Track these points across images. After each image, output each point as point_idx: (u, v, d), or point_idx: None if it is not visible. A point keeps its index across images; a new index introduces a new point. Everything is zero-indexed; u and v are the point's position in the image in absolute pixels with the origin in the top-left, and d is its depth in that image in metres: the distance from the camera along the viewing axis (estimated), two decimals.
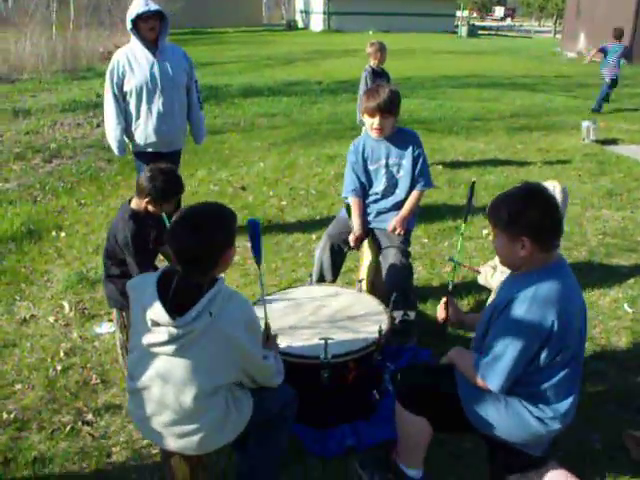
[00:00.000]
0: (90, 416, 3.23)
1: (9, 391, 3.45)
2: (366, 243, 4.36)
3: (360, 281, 3.74)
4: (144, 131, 4.86)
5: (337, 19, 42.37)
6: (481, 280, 3.55)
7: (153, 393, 2.23)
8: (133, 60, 4.73)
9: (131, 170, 7.67)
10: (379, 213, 4.13)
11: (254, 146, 9.17)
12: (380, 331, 3.06)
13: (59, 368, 3.65)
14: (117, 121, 4.79)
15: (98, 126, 10.78)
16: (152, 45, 4.74)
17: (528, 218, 2.36)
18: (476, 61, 23.81)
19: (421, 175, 4.04)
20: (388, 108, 3.80)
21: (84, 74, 17.99)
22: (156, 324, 2.15)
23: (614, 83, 12.90)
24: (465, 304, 4.48)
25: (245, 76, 17.76)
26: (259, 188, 7.12)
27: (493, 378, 2.39)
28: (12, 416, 3.22)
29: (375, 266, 4.35)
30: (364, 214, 4.12)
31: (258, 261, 2.76)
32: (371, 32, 40.24)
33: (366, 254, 4.44)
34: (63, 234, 5.72)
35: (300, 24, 48.09)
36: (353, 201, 4.12)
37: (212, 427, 2.23)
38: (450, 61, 23.39)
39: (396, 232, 3.99)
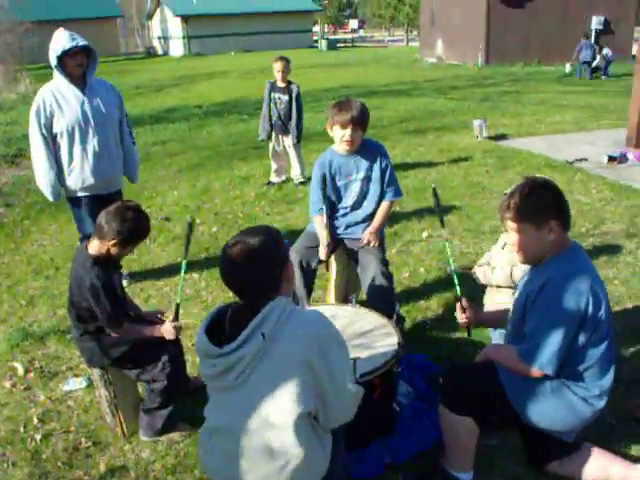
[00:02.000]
0: None
1: None
2: (332, 257, 4.28)
3: (351, 299, 3.64)
4: (80, 174, 4.53)
5: (197, 43, 42.05)
6: (481, 280, 3.57)
7: (226, 434, 2.08)
8: (61, 98, 4.40)
9: (37, 213, 7.16)
10: (348, 226, 4.06)
11: (160, 175, 8.82)
12: (399, 343, 3.00)
13: (38, 437, 3.27)
14: (49, 165, 4.45)
15: None
16: (79, 81, 4.43)
17: (549, 203, 2.50)
18: (346, 73, 24.44)
19: (390, 185, 4.01)
20: (361, 120, 3.75)
21: None
22: (207, 357, 2.10)
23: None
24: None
25: None
26: (183, 217, 6.84)
27: (545, 363, 2.43)
28: None
29: (345, 277, 4.30)
30: (332, 227, 4.03)
31: None
32: (233, 53, 40.33)
33: (334, 268, 4.37)
34: None
35: (159, 50, 47.27)
36: (318, 219, 4.02)
37: (297, 467, 2.03)
38: (321, 74, 23.82)
39: (371, 245, 3.93)
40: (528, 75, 21.43)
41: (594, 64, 20.30)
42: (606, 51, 20.35)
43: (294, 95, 7.49)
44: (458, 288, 3.06)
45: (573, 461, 2.75)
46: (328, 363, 2.06)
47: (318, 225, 4.02)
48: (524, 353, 2.48)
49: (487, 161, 8.80)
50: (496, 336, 3.64)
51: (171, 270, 5.44)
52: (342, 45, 48.61)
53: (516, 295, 2.72)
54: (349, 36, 57.05)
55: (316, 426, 2.13)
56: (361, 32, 63.47)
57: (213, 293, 4.94)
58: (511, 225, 2.58)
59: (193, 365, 3.80)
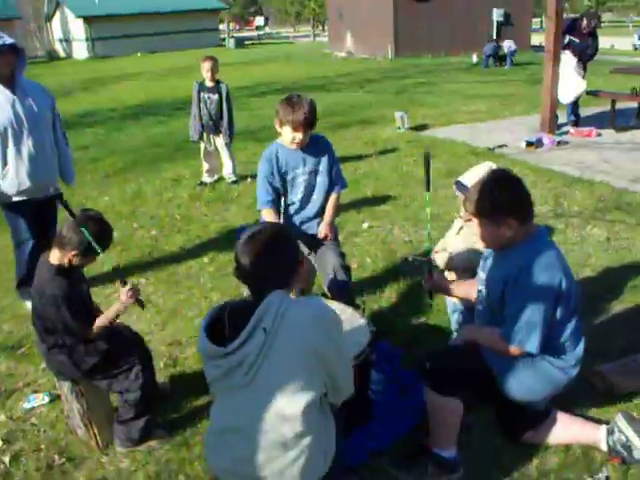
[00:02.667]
0: None
1: None
2: None
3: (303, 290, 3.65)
4: (15, 178, 4.34)
5: (101, 45, 40.79)
6: (441, 266, 3.68)
7: (239, 433, 2.08)
8: None
9: None
10: (302, 223, 4.07)
11: (86, 180, 8.53)
12: (372, 330, 3.07)
13: (7, 460, 3.13)
14: None
15: None
16: (8, 81, 4.25)
17: (505, 202, 2.58)
18: (258, 70, 24.34)
19: (337, 178, 4.07)
20: (312, 121, 3.76)
21: None
22: (211, 358, 2.10)
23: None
24: None
25: None
26: (118, 222, 6.66)
27: (529, 342, 2.55)
28: None
29: None
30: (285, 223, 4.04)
31: None
32: (139, 54, 39.39)
33: None
34: None
35: (62, 53, 45.62)
36: (268, 212, 3.99)
37: (310, 453, 2.07)
38: (233, 73, 23.47)
39: (328, 239, 3.98)
40: (437, 66, 22.06)
41: (500, 53, 21.34)
42: (508, 43, 21.30)
43: (224, 94, 7.46)
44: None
45: (545, 428, 2.93)
46: (335, 344, 2.12)
47: (269, 217, 3.94)
48: (507, 335, 2.58)
49: (413, 151, 9.03)
50: (455, 317, 3.77)
51: (116, 276, 5.29)
52: (250, 42, 48.35)
53: (483, 276, 2.83)
54: (255, 33, 56.80)
55: (324, 405, 2.17)
56: (267, 29, 63.34)
57: (164, 296, 4.87)
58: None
59: (157, 371, 3.75)
